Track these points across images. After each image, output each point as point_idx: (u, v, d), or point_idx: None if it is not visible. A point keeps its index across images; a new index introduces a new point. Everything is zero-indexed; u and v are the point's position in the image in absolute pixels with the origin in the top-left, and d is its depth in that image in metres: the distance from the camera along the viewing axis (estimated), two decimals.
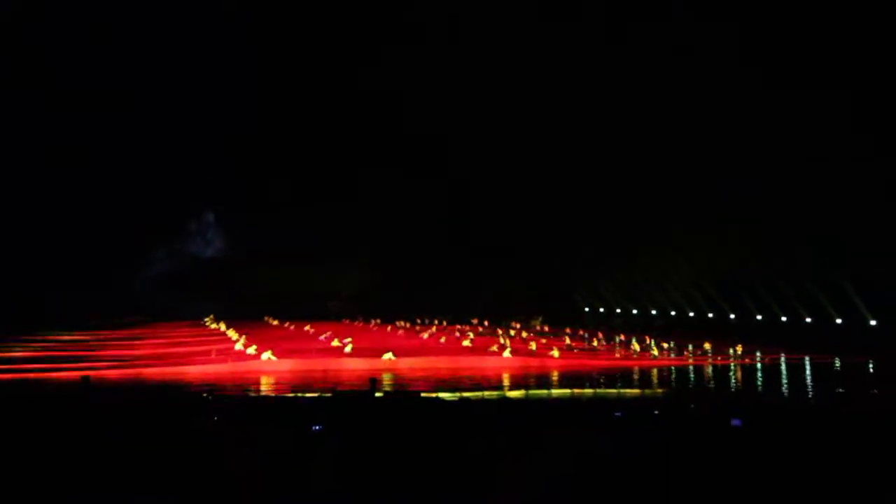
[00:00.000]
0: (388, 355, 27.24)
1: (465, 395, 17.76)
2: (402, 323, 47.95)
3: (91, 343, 35.21)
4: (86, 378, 18.30)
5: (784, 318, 40.14)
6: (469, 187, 55.96)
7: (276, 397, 18.45)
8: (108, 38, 50.56)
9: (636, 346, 31.98)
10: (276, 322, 49.98)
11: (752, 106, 37.72)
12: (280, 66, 53.05)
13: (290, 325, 46.61)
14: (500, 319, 48.79)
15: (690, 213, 42.46)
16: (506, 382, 22.66)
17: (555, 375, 24.62)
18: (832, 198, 34.05)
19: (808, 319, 38.47)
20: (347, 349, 29.37)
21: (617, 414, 11.03)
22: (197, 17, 50.75)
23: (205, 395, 17.23)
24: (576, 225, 50.88)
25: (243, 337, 32.30)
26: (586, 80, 45.08)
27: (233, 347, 30.65)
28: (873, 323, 34.92)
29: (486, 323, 48.61)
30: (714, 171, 39.62)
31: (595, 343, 35.92)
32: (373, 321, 50.84)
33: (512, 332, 40.43)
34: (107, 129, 53.83)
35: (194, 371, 24.92)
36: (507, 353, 28.61)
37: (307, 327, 43.25)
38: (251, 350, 28.45)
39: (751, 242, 39.46)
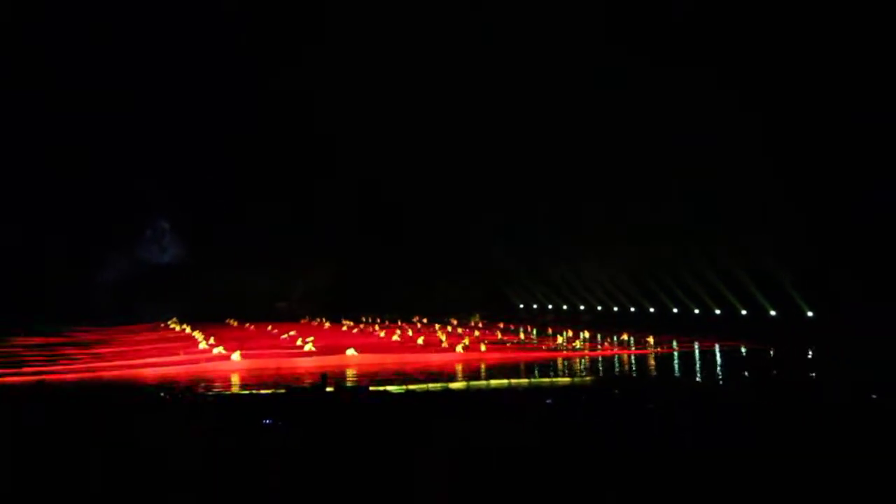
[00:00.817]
0: (351, 351, 27.04)
1: (411, 387, 17.71)
2: (348, 322, 47.61)
3: (49, 347, 33.72)
4: (41, 382, 17.53)
5: (694, 311, 41.42)
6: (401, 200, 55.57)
7: (232, 395, 18.04)
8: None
9: (559, 339, 32.67)
10: (236, 323, 48.89)
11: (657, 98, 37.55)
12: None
13: (250, 325, 45.75)
14: (440, 317, 48.96)
15: (615, 214, 43.02)
16: (458, 375, 22.71)
17: (495, 367, 24.78)
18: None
19: (744, 312, 38.40)
20: (307, 347, 29.00)
21: (548, 401, 11.17)
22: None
23: (162, 394, 16.72)
24: (508, 227, 51.34)
25: (211, 338, 31.54)
26: (501, 77, 44.40)
27: (197, 348, 29.89)
28: (810, 314, 34.88)
29: (425, 320, 48.68)
30: (636, 168, 39.76)
31: (522, 336, 36.36)
32: (318, 320, 50.35)
33: (449, 329, 40.64)
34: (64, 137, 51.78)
35: (153, 372, 24.07)
36: (459, 349, 28.68)
37: (269, 327, 42.52)
38: (217, 350, 27.81)
39: (673, 239, 39.92)
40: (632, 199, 41.31)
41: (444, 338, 33.19)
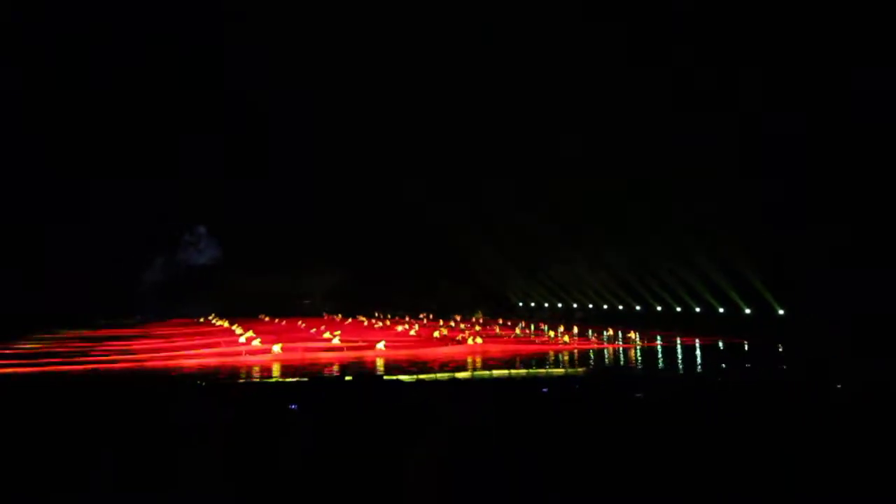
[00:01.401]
0: (381, 344, 27.02)
1: (421, 376, 17.66)
2: (363, 318, 47.68)
3: (104, 340, 33.84)
4: (94, 370, 17.65)
5: (676, 309, 41.24)
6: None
7: (262, 383, 18.05)
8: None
9: (551, 334, 32.58)
10: (268, 319, 48.88)
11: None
12: None
13: (281, 321, 45.84)
14: (445, 314, 48.97)
15: (604, 219, 42.62)
16: (464, 366, 22.63)
17: (497, 359, 24.67)
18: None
19: (721, 310, 38.03)
20: (335, 341, 29.04)
21: (544, 389, 11.12)
22: None
23: (199, 382, 16.76)
24: (505, 232, 51.15)
25: (249, 331, 31.58)
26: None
27: (237, 340, 29.91)
28: (781, 312, 34.41)
29: (430, 316, 48.64)
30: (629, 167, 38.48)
31: (518, 331, 36.29)
32: (338, 316, 50.43)
33: (452, 324, 40.63)
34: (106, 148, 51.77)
35: (196, 362, 24.00)
36: (470, 341, 28.60)
37: (299, 322, 42.63)
38: (256, 343, 27.85)
39: (657, 242, 39.34)
40: (621, 203, 40.86)
41: (446, 332, 33.23)
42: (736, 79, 31.74)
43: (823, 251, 28.48)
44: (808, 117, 28.95)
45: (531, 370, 20.76)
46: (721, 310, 37.82)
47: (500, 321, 42.62)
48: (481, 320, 45.59)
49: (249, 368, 22.16)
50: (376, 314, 50.28)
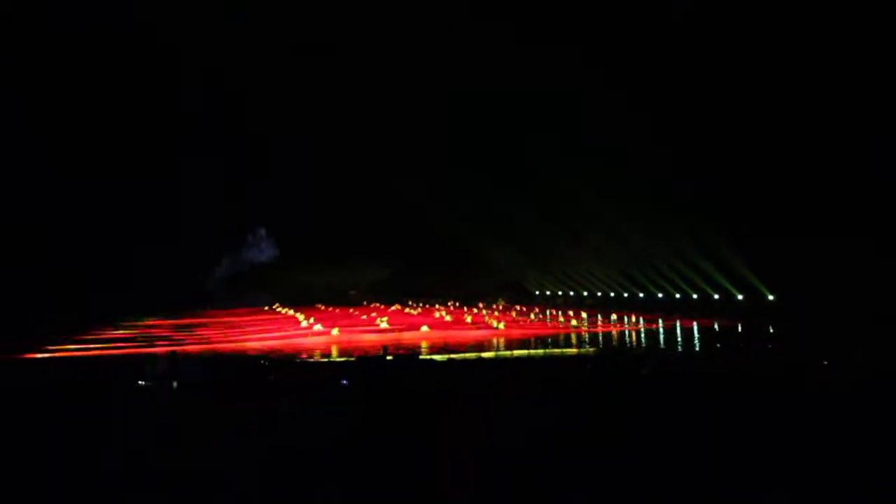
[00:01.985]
0: (425, 328, 27.17)
1: (452, 356, 17.75)
2: (398, 305, 47.93)
3: (192, 325, 34.56)
4: (173, 352, 18.12)
5: (676, 295, 40.55)
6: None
7: (315, 362, 18.35)
8: None
9: (561, 319, 32.33)
10: (323, 307, 49.46)
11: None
12: None
13: (335, 308, 46.34)
14: (470, 301, 49.03)
15: (611, 213, 41.71)
16: (489, 347, 22.61)
17: (517, 340, 24.62)
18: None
19: (716, 296, 36.97)
20: (382, 325, 29.34)
21: (558, 367, 11.15)
22: None
23: (262, 361, 17.11)
24: (522, 228, 50.70)
25: (311, 318, 32.05)
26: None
27: (300, 326, 30.31)
28: (770, 297, 33.41)
29: (457, 304, 48.73)
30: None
31: (532, 316, 36.03)
32: (378, 304, 50.78)
33: (475, 310, 40.66)
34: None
35: (265, 344, 24.34)
36: (495, 325, 28.62)
37: (350, 310, 43.09)
38: (317, 327, 28.26)
39: (660, 235, 38.37)
40: (625, 200, 40.06)
41: (470, 318, 33.32)
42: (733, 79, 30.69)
43: (809, 244, 27.74)
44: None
45: (547, 350, 20.69)
46: (716, 296, 37.13)
47: (518, 308, 42.42)
48: (502, 307, 45.48)
49: (311, 349, 22.51)
50: (410, 302, 50.55)
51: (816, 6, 26.74)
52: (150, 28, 39.53)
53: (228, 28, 41.16)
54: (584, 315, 33.38)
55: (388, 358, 13.24)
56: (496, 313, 37.09)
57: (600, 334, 26.69)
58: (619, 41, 35.22)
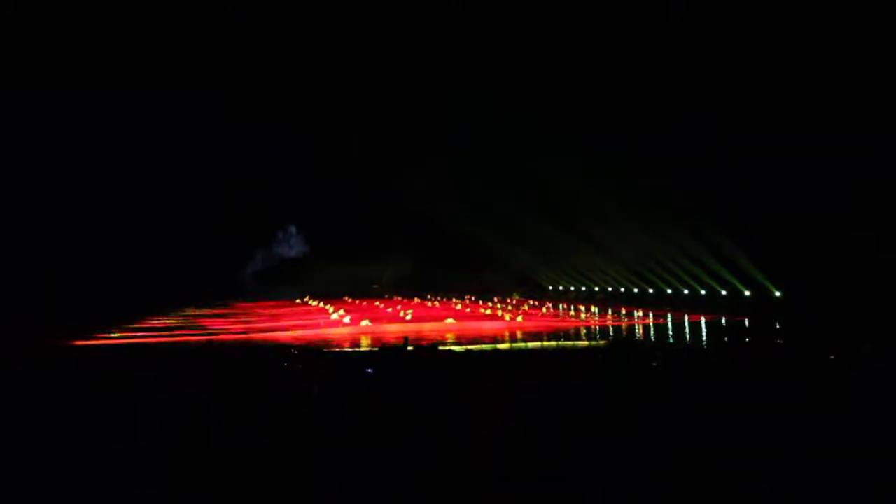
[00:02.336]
0: (450, 320, 27.23)
1: (469, 347, 17.70)
2: (417, 300, 47.98)
3: (227, 316, 35.03)
4: (210, 341, 18.42)
5: (684, 291, 39.81)
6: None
7: (340, 351, 18.47)
8: None
9: (572, 312, 32.07)
10: (350, 300, 49.82)
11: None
12: None
13: (361, 302, 46.65)
14: (487, 295, 48.91)
15: (620, 211, 40.97)
16: (504, 338, 22.57)
17: (532, 333, 24.48)
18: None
19: (724, 292, 35.92)
20: (407, 317, 29.48)
21: (570, 358, 10.99)
22: None
23: (292, 350, 17.25)
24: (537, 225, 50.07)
25: (341, 310, 32.35)
26: None
27: (330, 318, 30.57)
28: (777, 294, 32.31)
29: (474, 297, 48.62)
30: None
31: (544, 310, 35.76)
32: (400, 298, 50.92)
33: (490, 304, 40.54)
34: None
35: (297, 334, 24.51)
36: (507, 318, 28.51)
37: (377, 303, 43.34)
38: (346, 319, 28.50)
39: (668, 231, 37.11)
40: (634, 199, 39.29)
41: (488, 311, 33.18)
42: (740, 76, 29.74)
43: (814, 241, 26.92)
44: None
45: (560, 342, 20.52)
46: (723, 292, 36.38)
47: (532, 302, 42.19)
48: (516, 301, 45.30)
49: (341, 340, 22.63)
50: (428, 296, 50.62)
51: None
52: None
53: (239, 28, 40.35)
54: (593, 309, 33.07)
55: (409, 348, 13.27)
56: (509, 307, 36.91)
57: (610, 327, 26.40)
58: (619, 39, 34.31)
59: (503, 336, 23.07)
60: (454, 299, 45.17)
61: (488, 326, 26.96)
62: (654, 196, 37.58)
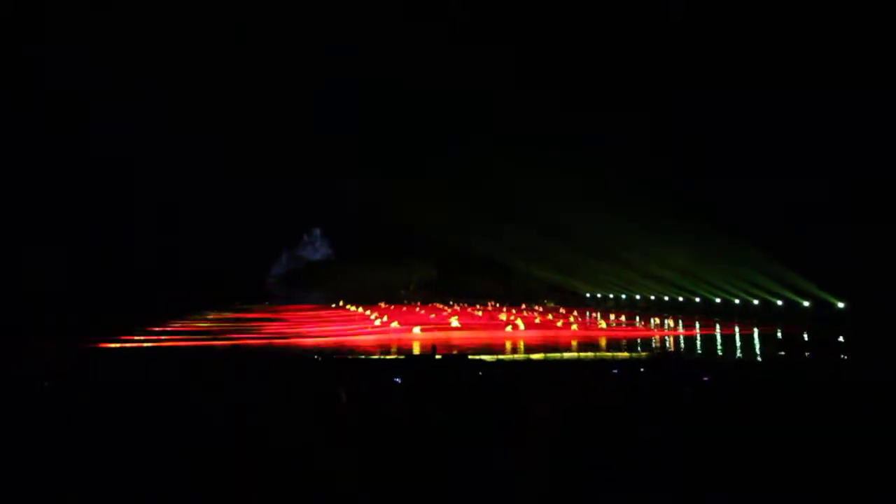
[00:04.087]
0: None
1: (500, 357, 17.53)
2: (449, 306, 47.82)
3: (253, 321, 35.42)
4: (235, 346, 18.81)
5: (734, 301, 38.56)
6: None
7: (367, 358, 18.47)
8: None
9: (602, 323, 31.39)
10: (384, 305, 49.61)
11: None
12: None
13: (397, 307, 46.76)
14: (516, 301, 48.55)
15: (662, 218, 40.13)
16: (538, 347, 22.25)
17: (566, 343, 24.08)
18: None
19: (779, 302, 34.92)
20: (454, 323, 29.47)
21: (614, 371, 10.72)
22: None
23: (315, 356, 17.30)
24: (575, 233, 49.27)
25: (385, 316, 32.45)
26: None
27: (373, 324, 30.59)
28: (841, 305, 31.16)
29: (497, 304, 48.25)
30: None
31: (571, 318, 35.02)
32: (431, 304, 50.85)
33: (525, 312, 40.15)
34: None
35: (337, 340, 24.42)
36: (537, 320, 28.13)
37: (417, 308, 43.24)
38: (393, 325, 28.61)
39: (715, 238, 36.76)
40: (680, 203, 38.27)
41: (521, 321, 32.81)
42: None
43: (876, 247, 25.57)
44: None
45: (598, 353, 20.10)
46: (779, 302, 35.03)
47: (563, 309, 41.56)
48: (546, 308, 44.77)
49: (401, 344, 22.56)
50: (451, 301, 50.53)
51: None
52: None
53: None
54: (637, 319, 32.31)
55: (438, 357, 13.24)
56: (536, 313, 36.24)
57: (653, 338, 25.73)
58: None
59: (537, 346, 22.75)
60: (478, 305, 44.93)
61: (524, 335, 26.64)
62: (698, 203, 36.52)
